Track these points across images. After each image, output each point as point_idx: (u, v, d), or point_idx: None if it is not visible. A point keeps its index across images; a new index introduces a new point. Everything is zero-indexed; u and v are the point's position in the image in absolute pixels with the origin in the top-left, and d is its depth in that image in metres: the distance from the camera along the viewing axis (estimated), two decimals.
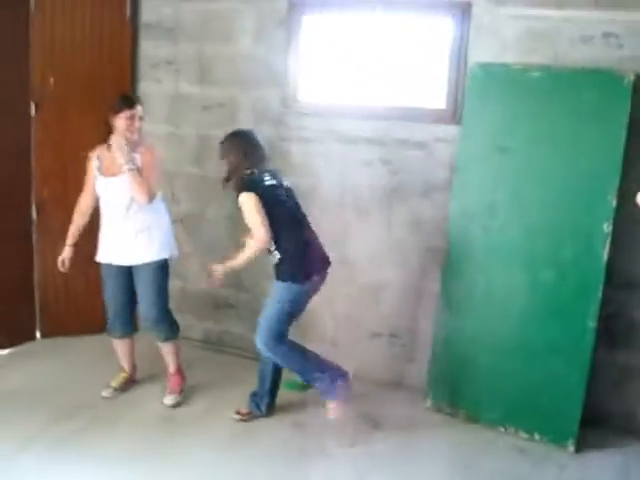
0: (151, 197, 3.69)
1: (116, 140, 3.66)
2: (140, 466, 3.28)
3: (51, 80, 4.38)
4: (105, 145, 3.76)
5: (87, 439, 3.48)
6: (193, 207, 4.70)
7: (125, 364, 4.12)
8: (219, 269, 3.63)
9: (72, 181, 4.51)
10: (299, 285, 3.56)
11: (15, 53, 4.27)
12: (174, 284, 4.47)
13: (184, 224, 4.68)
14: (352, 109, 4.24)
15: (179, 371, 4.05)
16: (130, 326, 4.03)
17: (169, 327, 3.96)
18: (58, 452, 3.35)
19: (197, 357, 4.58)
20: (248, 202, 3.47)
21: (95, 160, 3.79)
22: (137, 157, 3.69)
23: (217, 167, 4.42)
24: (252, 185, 3.52)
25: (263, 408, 3.82)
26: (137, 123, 3.70)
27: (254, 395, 3.83)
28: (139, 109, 3.71)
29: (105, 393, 4.01)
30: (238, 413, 3.81)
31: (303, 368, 3.65)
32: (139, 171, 3.65)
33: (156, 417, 3.78)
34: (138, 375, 4.19)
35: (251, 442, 3.58)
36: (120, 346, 4.08)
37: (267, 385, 3.81)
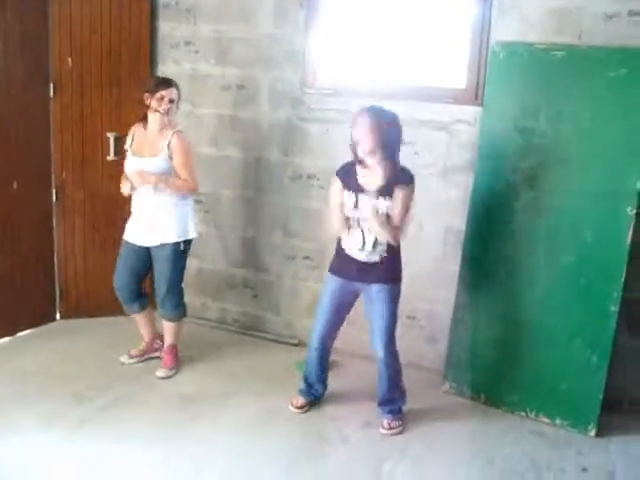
0: (197, 187, 3.87)
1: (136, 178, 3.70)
2: (162, 446, 3.30)
3: (69, 61, 4.37)
4: (141, 123, 3.83)
5: (108, 419, 3.50)
6: (211, 188, 4.67)
7: (144, 334, 4.19)
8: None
9: (90, 162, 4.53)
10: (400, 284, 3.54)
11: (33, 33, 4.25)
12: (191, 264, 4.47)
13: (203, 205, 4.67)
14: (372, 89, 4.18)
15: (173, 349, 4.09)
16: (135, 303, 4.05)
17: (174, 308, 4.00)
18: (80, 431, 3.37)
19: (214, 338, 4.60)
20: (412, 195, 3.37)
21: (129, 138, 3.86)
22: (170, 142, 3.76)
23: (234, 147, 4.44)
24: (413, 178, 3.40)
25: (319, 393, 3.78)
26: (168, 104, 3.73)
27: (306, 385, 3.74)
28: (173, 91, 3.75)
29: (122, 359, 4.13)
30: (299, 407, 3.69)
31: (399, 376, 3.62)
32: (170, 158, 3.75)
33: (176, 398, 3.79)
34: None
35: (270, 427, 3.56)
36: (137, 318, 4.16)
37: (320, 374, 3.73)
